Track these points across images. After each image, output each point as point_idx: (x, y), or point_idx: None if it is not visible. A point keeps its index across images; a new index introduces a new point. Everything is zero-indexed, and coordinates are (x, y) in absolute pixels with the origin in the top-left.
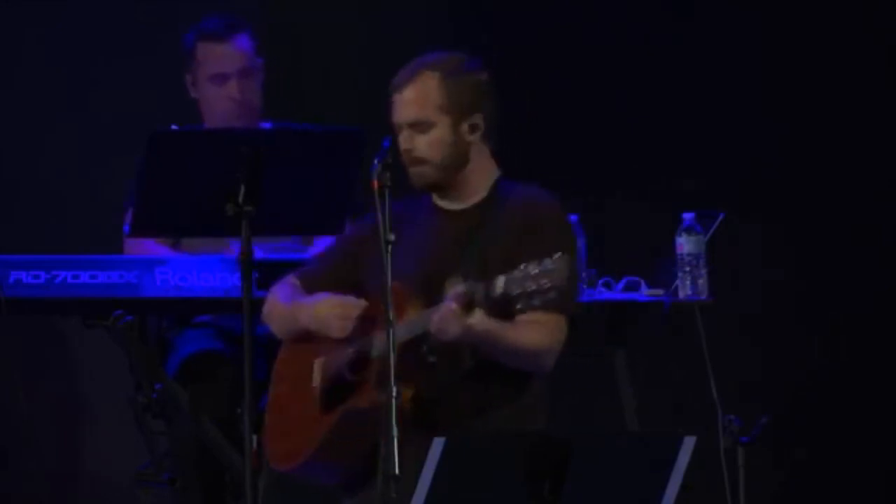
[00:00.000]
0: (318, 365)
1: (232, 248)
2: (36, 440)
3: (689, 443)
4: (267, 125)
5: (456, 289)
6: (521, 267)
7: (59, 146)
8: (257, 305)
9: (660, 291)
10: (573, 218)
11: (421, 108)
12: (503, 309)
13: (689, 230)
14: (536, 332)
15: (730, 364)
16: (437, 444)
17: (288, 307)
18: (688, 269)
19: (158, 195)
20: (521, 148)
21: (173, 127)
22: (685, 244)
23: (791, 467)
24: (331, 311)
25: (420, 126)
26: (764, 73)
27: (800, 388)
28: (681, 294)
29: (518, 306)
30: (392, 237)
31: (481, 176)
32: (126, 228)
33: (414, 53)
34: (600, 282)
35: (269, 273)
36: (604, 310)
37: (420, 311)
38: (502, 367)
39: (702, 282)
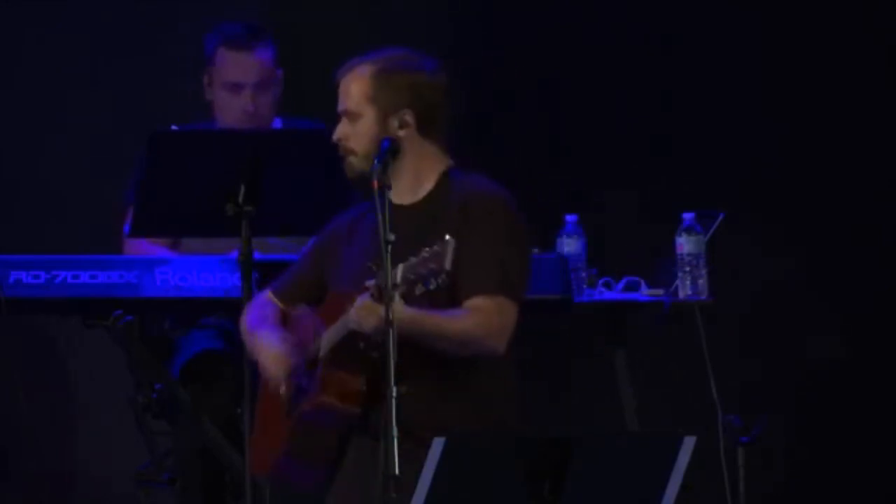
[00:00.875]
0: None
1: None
2: (36, 440)
3: (689, 443)
4: (277, 121)
5: (367, 282)
6: (418, 254)
7: (59, 146)
8: None
9: (660, 291)
10: (573, 218)
11: (351, 98)
12: (410, 295)
13: (689, 230)
14: (471, 317)
15: (730, 364)
16: (437, 444)
17: (250, 335)
18: (688, 269)
19: (158, 195)
20: (522, 148)
21: (173, 127)
22: (685, 244)
23: (791, 467)
24: (268, 358)
25: (350, 116)
26: (764, 73)
27: (800, 388)
28: (681, 294)
29: (417, 292)
30: (392, 237)
31: (426, 170)
32: (126, 228)
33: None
34: (600, 282)
35: (270, 273)
36: (604, 310)
37: None
38: (444, 358)
39: (702, 282)
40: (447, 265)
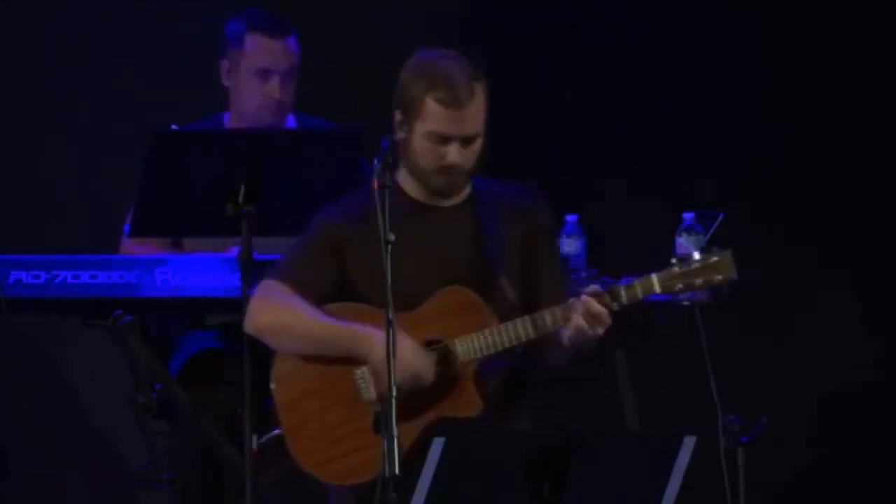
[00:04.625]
0: (364, 377)
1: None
2: (36, 440)
3: (689, 443)
4: (290, 118)
5: (589, 288)
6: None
7: (59, 146)
8: None
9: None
10: (573, 218)
11: (479, 122)
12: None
13: (689, 230)
14: None
15: (730, 364)
16: (437, 443)
17: (342, 327)
18: None
19: (158, 195)
20: (522, 148)
21: (173, 127)
22: (685, 244)
23: (791, 467)
24: (405, 356)
25: (471, 139)
26: (764, 74)
27: (800, 387)
28: (681, 294)
29: (682, 300)
30: (392, 237)
31: None
32: (126, 228)
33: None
34: (605, 281)
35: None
36: None
37: (491, 315)
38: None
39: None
40: (735, 275)
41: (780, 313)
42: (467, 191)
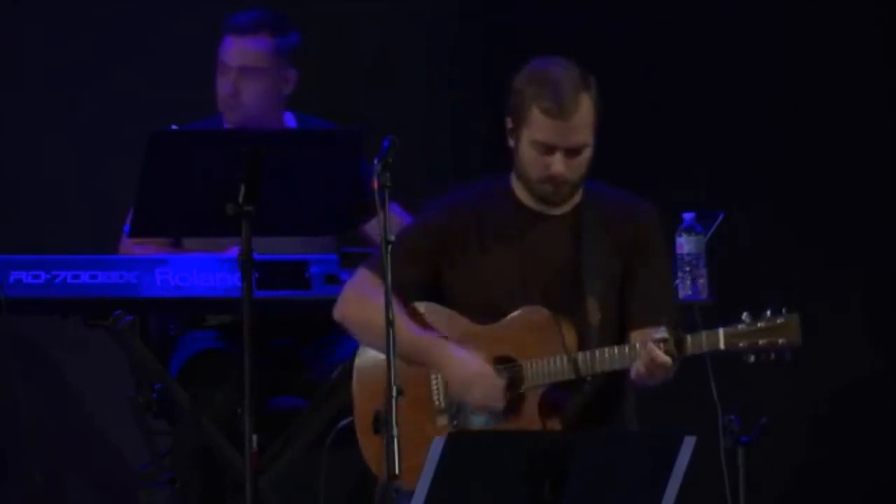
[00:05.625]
0: (438, 382)
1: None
2: (36, 440)
3: (689, 443)
4: (291, 119)
5: (658, 334)
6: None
7: (59, 146)
8: (257, 305)
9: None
10: None
11: (586, 133)
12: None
13: (689, 230)
14: None
15: (730, 364)
16: (437, 443)
17: (421, 338)
18: (688, 269)
19: (158, 195)
20: None
21: (173, 127)
22: (685, 244)
23: (791, 467)
24: (477, 380)
25: (577, 150)
26: (764, 74)
27: (800, 387)
28: (681, 294)
29: (748, 360)
30: (392, 237)
31: None
32: (126, 228)
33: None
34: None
35: (270, 273)
36: None
37: (564, 338)
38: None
39: (702, 282)
40: (799, 340)
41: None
42: (577, 198)
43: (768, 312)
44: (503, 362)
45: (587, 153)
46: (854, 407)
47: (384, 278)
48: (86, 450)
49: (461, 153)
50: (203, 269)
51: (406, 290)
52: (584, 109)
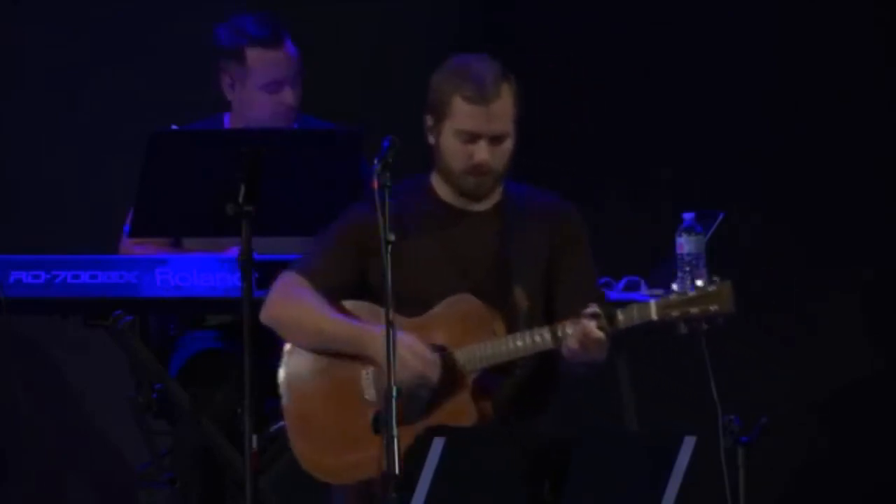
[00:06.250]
0: (368, 377)
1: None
2: (36, 440)
3: (689, 443)
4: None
5: (589, 309)
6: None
7: (59, 146)
8: (257, 305)
9: (660, 291)
10: None
11: (507, 121)
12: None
13: (689, 230)
14: None
15: (730, 364)
16: (437, 443)
17: (349, 326)
18: (688, 269)
19: (158, 195)
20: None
21: (173, 127)
22: (685, 244)
23: (791, 467)
24: (408, 354)
25: (500, 138)
26: (764, 74)
27: (800, 388)
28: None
29: (680, 331)
30: (392, 237)
31: None
32: (126, 228)
33: (414, 53)
34: (601, 282)
35: (270, 273)
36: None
37: (500, 327)
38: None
39: (702, 282)
40: (732, 307)
41: (780, 313)
42: (498, 196)
43: (699, 282)
44: (435, 351)
45: (509, 143)
46: (854, 407)
47: (384, 277)
48: (86, 450)
49: None
50: (203, 269)
51: (333, 289)
52: (505, 97)
